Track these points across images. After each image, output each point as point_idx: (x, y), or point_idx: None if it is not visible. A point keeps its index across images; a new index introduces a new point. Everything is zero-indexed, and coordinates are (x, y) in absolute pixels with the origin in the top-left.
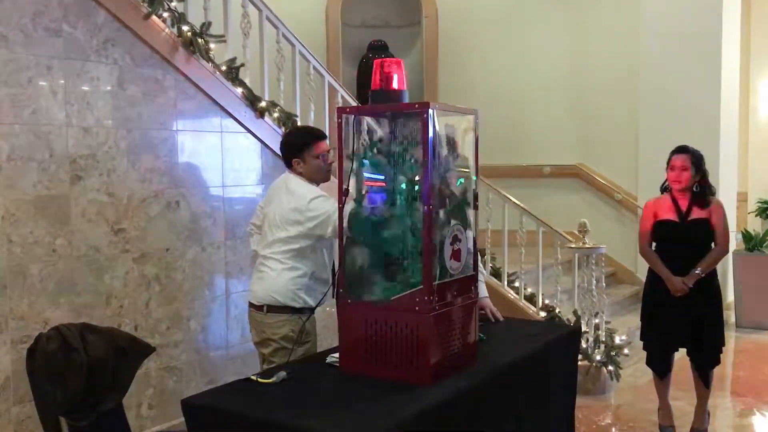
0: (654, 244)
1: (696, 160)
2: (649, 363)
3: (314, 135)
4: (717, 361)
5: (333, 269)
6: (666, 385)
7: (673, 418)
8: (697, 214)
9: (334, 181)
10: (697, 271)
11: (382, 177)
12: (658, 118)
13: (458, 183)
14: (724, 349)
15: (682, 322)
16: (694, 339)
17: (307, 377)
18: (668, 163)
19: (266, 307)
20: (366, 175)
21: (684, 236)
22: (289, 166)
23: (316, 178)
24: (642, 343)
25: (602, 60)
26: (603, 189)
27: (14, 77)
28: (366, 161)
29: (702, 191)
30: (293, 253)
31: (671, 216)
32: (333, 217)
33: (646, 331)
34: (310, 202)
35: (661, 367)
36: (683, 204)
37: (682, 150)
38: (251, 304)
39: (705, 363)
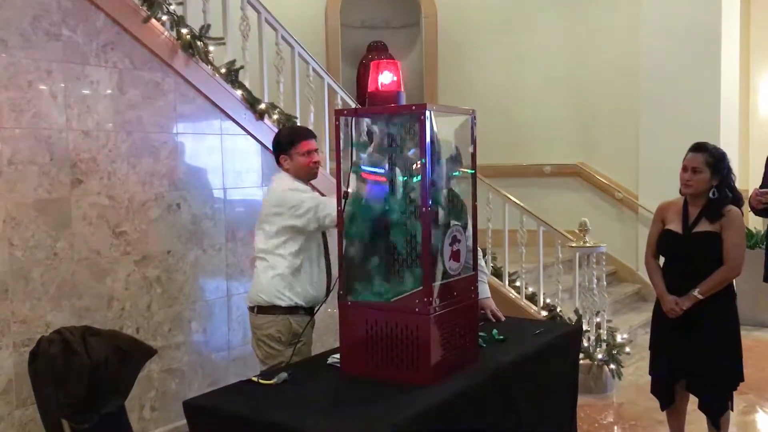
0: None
1: (713, 162)
2: (651, 390)
3: (300, 133)
4: (722, 407)
5: (329, 271)
6: (676, 418)
7: None
8: (704, 226)
9: (332, 181)
10: (694, 293)
11: (381, 178)
12: (658, 117)
13: (457, 183)
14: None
15: (683, 349)
16: (694, 373)
17: (308, 378)
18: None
19: (256, 308)
20: (364, 176)
21: (686, 252)
22: (278, 163)
23: (302, 174)
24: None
25: (602, 58)
26: (603, 188)
27: (14, 81)
28: (364, 163)
29: (718, 199)
30: (275, 250)
31: (676, 225)
32: (314, 210)
33: (651, 353)
34: (287, 192)
35: (660, 396)
36: (693, 212)
37: (697, 148)
38: (248, 307)
39: (707, 405)
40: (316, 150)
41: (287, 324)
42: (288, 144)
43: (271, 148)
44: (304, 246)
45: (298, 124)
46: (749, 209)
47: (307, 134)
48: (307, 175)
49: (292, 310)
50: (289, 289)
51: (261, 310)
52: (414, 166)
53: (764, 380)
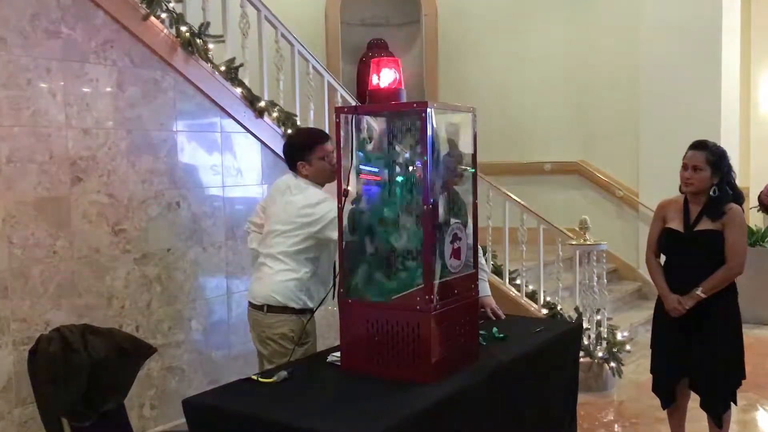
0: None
1: (714, 159)
2: (653, 388)
3: (318, 137)
4: (724, 405)
5: (334, 270)
6: (676, 417)
7: None
8: (705, 224)
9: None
10: (697, 292)
11: (382, 176)
12: (658, 114)
13: (458, 181)
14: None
15: (685, 348)
16: (697, 371)
17: (308, 376)
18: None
19: (266, 307)
20: (365, 174)
21: (688, 251)
22: (293, 168)
23: (321, 179)
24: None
25: (602, 56)
26: (604, 185)
27: (13, 79)
28: (365, 162)
29: (719, 197)
30: (296, 255)
31: (677, 224)
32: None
33: (653, 352)
34: (317, 206)
35: (661, 394)
36: (693, 210)
37: (698, 146)
38: (251, 304)
39: (709, 404)
40: (332, 152)
41: (300, 323)
42: (306, 149)
43: (282, 151)
44: (321, 250)
45: (298, 122)
46: (750, 206)
47: (323, 137)
48: (327, 179)
49: (303, 310)
50: (304, 293)
51: (271, 309)
52: (414, 163)
53: (764, 378)
